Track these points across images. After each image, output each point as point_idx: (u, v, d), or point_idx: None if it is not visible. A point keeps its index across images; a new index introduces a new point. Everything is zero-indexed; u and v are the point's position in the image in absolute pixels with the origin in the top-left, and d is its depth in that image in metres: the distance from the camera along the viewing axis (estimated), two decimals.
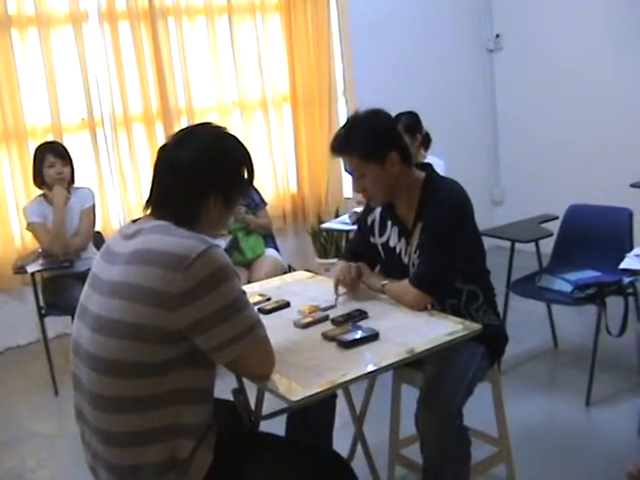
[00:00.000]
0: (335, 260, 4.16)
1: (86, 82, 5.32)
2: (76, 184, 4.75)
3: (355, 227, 3.10)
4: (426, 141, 4.63)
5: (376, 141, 2.62)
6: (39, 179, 4.62)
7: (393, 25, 6.32)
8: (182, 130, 2.13)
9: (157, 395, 1.88)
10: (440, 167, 4.01)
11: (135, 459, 1.92)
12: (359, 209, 4.14)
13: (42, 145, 4.71)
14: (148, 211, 2.08)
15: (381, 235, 2.87)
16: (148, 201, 2.08)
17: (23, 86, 5.15)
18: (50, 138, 5.11)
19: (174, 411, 1.91)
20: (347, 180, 6.21)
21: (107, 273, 1.99)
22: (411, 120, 4.56)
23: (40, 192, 4.68)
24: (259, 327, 1.98)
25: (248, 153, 2.13)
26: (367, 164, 2.62)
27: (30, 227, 4.65)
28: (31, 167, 4.81)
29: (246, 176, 2.12)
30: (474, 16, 6.81)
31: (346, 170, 2.76)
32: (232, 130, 2.17)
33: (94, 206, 4.76)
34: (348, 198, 6.17)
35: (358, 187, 2.72)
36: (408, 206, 2.73)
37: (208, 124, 2.19)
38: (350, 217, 4.87)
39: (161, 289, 1.84)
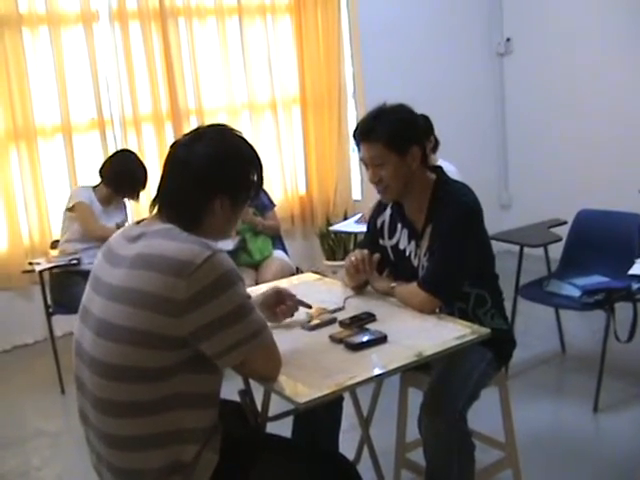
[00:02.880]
0: (343, 262, 4.15)
1: (96, 82, 5.33)
2: (86, 183, 4.76)
3: (363, 229, 3.09)
4: (435, 145, 4.62)
5: (403, 132, 2.63)
6: (133, 189, 4.59)
7: (403, 28, 6.30)
8: (195, 129, 2.12)
9: (161, 400, 1.87)
10: (453, 173, 3.99)
11: (138, 463, 1.92)
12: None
13: (142, 164, 4.65)
14: (154, 210, 2.06)
15: (391, 237, 2.86)
16: (154, 200, 2.07)
17: (33, 85, 5.17)
18: (59, 138, 5.11)
19: (178, 416, 1.90)
20: (356, 182, 6.22)
21: (110, 276, 1.97)
22: (424, 123, 4.55)
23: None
24: (264, 331, 1.97)
25: (258, 157, 2.11)
26: (389, 153, 2.61)
27: (77, 207, 4.60)
28: (39, 166, 4.80)
29: (255, 180, 2.10)
30: (485, 19, 6.79)
31: (362, 159, 2.74)
32: (241, 131, 2.15)
33: None
34: (357, 200, 6.17)
35: (374, 177, 2.69)
36: (418, 208, 2.72)
37: (221, 125, 2.17)
38: (358, 221, 4.88)
39: (165, 295, 1.82)
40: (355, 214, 5.28)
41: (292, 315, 2.51)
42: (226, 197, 2.02)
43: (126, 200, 4.81)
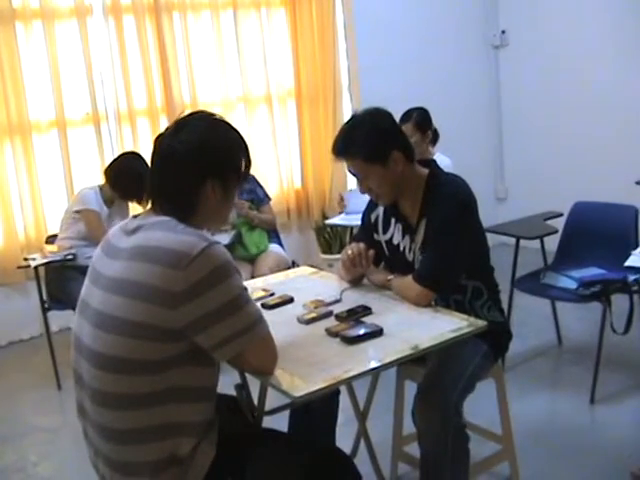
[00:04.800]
0: (339, 256, 4.16)
1: (90, 76, 5.31)
2: (92, 184, 4.77)
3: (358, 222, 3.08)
4: (434, 137, 4.62)
5: (378, 142, 2.60)
6: (139, 193, 4.48)
7: (398, 20, 6.30)
8: (177, 120, 2.10)
9: (158, 393, 1.87)
10: (448, 166, 3.99)
11: (135, 456, 1.92)
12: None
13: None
14: (149, 205, 2.07)
15: (385, 232, 2.86)
16: (148, 194, 2.07)
17: (27, 80, 5.14)
18: (54, 132, 5.10)
19: (175, 409, 1.90)
20: (351, 175, 6.20)
21: (108, 268, 1.97)
22: (423, 116, 4.54)
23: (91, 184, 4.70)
24: (260, 324, 1.97)
25: (244, 140, 2.10)
26: (371, 166, 2.61)
27: (86, 213, 4.56)
28: (34, 161, 4.79)
29: (243, 162, 2.10)
30: (480, 12, 6.79)
31: (350, 172, 2.75)
32: (236, 125, 2.15)
33: None
34: (352, 190, 6.15)
35: (363, 188, 2.71)
36: (412, 203, 2.72)
37: (203, 112, 2.16)
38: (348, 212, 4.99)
39: (162, 287, 1.82)
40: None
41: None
42: (216, 180, 2.01)
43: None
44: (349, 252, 2.79)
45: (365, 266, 2.77)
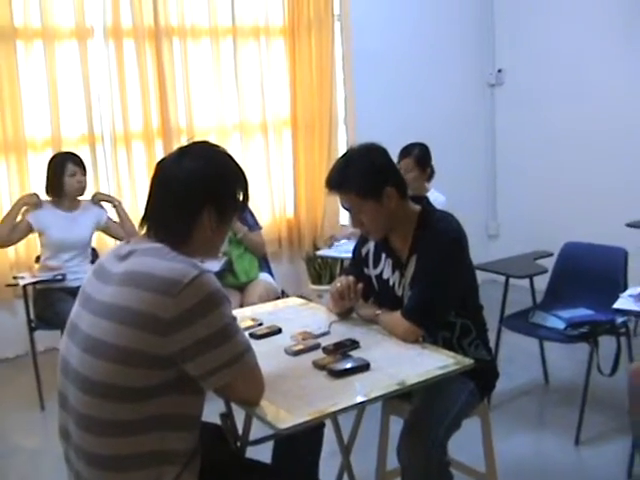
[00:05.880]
0: (328, 287, 4.16)
1: (88, 97, 5.33)
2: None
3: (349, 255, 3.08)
4: (431, 173, 4.65)
5: (372, 178, 2.61)
6: (58, 188, 4.61)
7: (396, 56, 6.35)
8: (180, 147, 2.13)
9: (143, 420, 1.86)
10: (442, 204, 4.01)
11: None
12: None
13: (61, 154, 4.74)
14: (143, 230, 2.07)
15: (375, 267, 2.86)
16: (143, 219, 2.07)
17: (25, 98, 5.16)
18: (49, 151, 5.10)
19: (160, 437, 1.89)
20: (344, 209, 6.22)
21: (99, 292, 1.97)
22: (423, 153, 4.58)
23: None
24: (249, 353, 1.96)
25: (243, 173, 2.12)
26: (364, 201, 2.61)
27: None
28: (28, 179, 4.80)
29: (240, 195, 2.11)
30: (477, 50, 6.85)
31: (343, 206, 2.75)
32: (231, 152, 2.17)
33: None
34: (344, 225, 6.17)
35: (356, 222, 2.72)
36: (403, 238, 2.73)
37: (206, 142, 2.19)
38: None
39: (152, 313, 1.82)
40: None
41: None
42: (213, 209, 2.02)
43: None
44: (338, 285, 2.79)
45: (354, 299, 2.77)
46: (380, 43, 6.27)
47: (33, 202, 4.58)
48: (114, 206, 4.85)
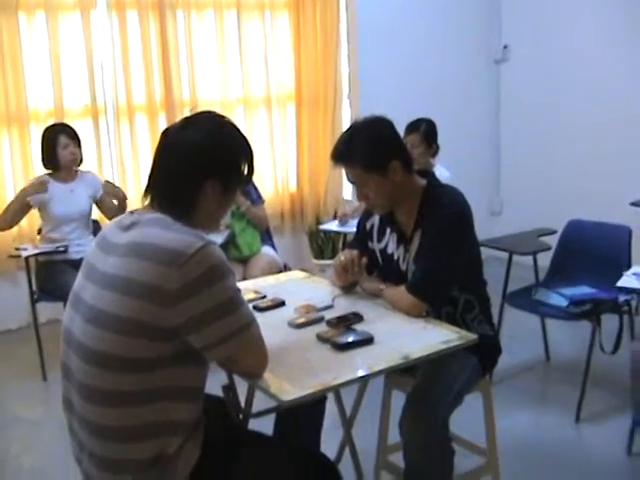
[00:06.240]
0: (331, 261, 4.14)
1: (91, 69, 5.31)
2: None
3: (352, 229, 3.08)
4: (436, 150, 4.63)
5: (378, 151, 2.59)
6: (53, 161, 4.60)
7: (401, 31, 6.31)
8: (186, 117, 2.10)
9: (146, 391, 1.86)
10: (447, 179, 4.00)
11: (121, 454, 1.90)
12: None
13: (53, 126, 4.72)
14: (147, 201, 2.05)
15: (379, 241, 2.85)
16: (147, 189, 2.05)
17: (28, 69, 5.14)
18: (52, 122, 5.09)
19: (163, 408, 1.89)
20: (347, 182, 6.19)
21: (102, 263, 1.95)
22: (430, 129, 4.56)
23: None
24: (253, 325, 1.96)
25: (249, 145, 2.10)
26: (369, 174, 2.60)
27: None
28: (31, 150, 4.79)
29: (245, 166, 2.09)
30: (483, 25, 6.80)
31: (348, 179, 2.74)
32: (231, 119, 2.14)
33: None
34: (348, 200, 6.16)
35: (361, 195, 2.70)
36: (408, 213, 2.71)
37: (212, 113, 2.15)
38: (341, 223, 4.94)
39: (156, 284, 1.81)
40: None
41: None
42: (217, 181, 2.00)
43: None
44: (342, 258, 2.78)
45: (358, 273, 2.77)
46: (385, 18, 6.22)
47: (43, 190, 4.54)
48: (118, 201, 4.82)
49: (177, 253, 1.82)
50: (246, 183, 2.15)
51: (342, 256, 2.80)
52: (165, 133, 2.07)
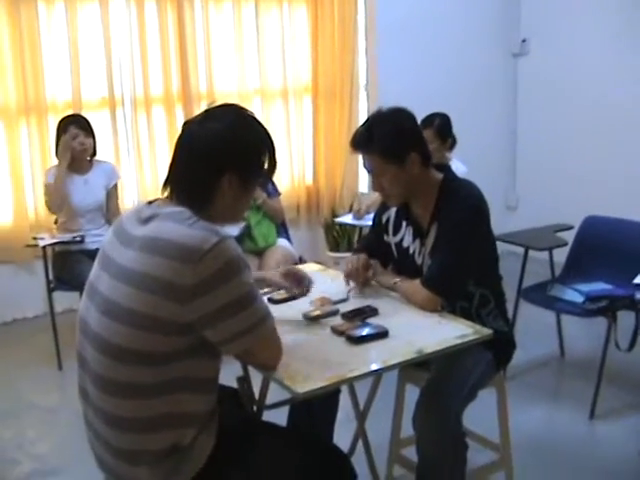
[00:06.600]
0: (347, 254, 4.13)
1: (109, 60, 5.32)
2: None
3: (368, 223, 3.08)
4: (452, 143, 4.61)
5: (398, 141, 2.59)
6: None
7: (419, 24, 6.28)
8: (206, 109, 2.09)
9: (161, 383, 1.87)
10: (464, 173, 3.98)
11: (136, 444, 1.92)
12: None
13: (65, 117, 4.73)
14: (165, 193, 2.04)
15: (395, 234, 2.85)
16: (166, 181, 2.05)
17: (46, 60, 5.15)
18: (69, 113, 5.11)
19: (178, 400, 1.90)
20: (363, 175, 6.20)
21: (120, 256, 1.95)
22: (444, 123, 4.54)
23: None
24: (268, 319, 1.96)
25: (271, 140, 2.08)
26: (387, 164, 2.60)
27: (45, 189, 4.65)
28: (48, 141, 4.81)
29: (266, 161, 2.08)
30: (502, 19, 6.76)
31: (365, 167, 2.74)
32: (253, 112, 2.13)
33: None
34: (363, 193, 6.15)
35: (376, 185, 2.70)
36: (424, 206, 2.71)
37: (234, 105, 2.13)
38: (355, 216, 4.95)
39: (172, 280, 1.81)
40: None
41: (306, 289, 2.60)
42: (235, 175, 1.98)
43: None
44: (349, 266, 2.80)
45: (362, 281, 2.78)
46: (403, 10, 6.19)
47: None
48: None
49: (192, 249, 1.81)
50: (267, 178, 2.14)
51: (349, 264, 2.80)
52: (185, 125, 2.07)
